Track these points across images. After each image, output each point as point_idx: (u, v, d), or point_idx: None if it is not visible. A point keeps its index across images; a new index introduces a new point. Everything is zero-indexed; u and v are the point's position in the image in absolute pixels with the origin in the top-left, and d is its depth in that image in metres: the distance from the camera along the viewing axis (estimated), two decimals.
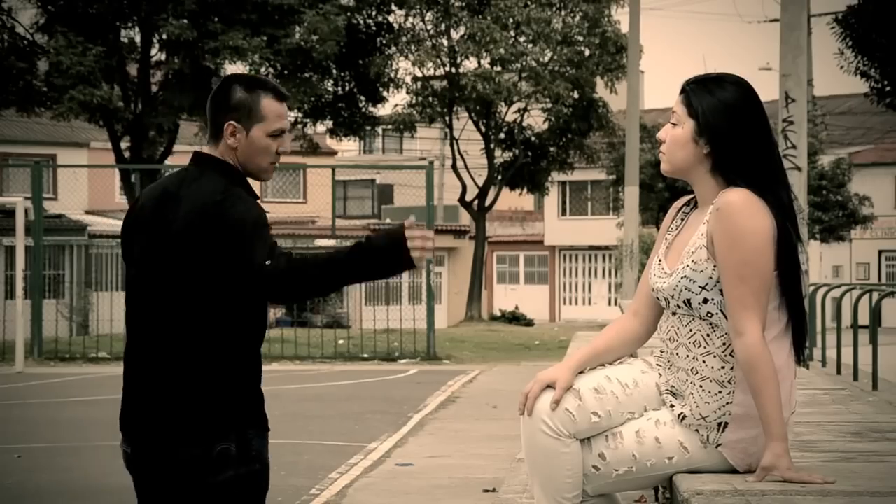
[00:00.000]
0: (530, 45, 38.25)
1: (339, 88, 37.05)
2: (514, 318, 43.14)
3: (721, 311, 4.09)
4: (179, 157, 41.74)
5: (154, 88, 33.83)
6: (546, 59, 38.73)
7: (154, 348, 4.18)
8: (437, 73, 39.40)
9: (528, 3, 38.14)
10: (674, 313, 4.20)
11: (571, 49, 38.54)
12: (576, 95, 39.14)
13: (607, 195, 49.71)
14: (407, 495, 10.27)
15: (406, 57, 38.16)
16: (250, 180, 4.34)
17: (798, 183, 14.77)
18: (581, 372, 4.22)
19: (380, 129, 45.95)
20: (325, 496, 10.21)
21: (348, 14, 34.39)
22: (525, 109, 40.23)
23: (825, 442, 5.13)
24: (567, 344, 23.31)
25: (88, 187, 43.78)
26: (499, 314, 44.99)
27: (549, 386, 4.16)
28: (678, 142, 4.19)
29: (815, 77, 47.40)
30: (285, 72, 33.34)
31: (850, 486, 3.91)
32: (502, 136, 41.34)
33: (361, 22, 36.80)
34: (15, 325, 23.39)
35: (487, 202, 41.70)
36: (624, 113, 33.80)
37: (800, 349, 4.19)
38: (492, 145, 41.01)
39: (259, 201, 4.23)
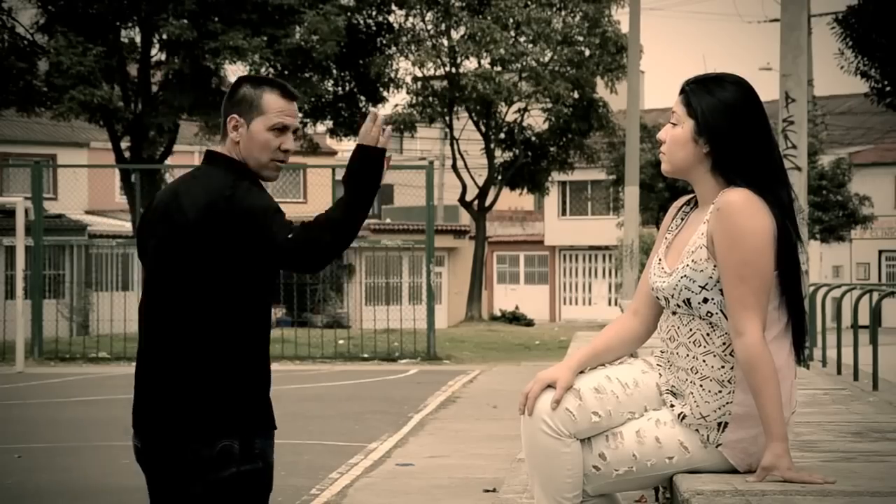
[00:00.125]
0: (530, 45, 38.25)
1: (340, 88, 37.06)
2: (515, 318, 43.15)
3: (721, 310, 4.09)
4: (179, 157, 41.83)
5: (154, 88, 33.83)
6: (546, 59, 38.73)
7: (163, 346, 4.23)
8: (438, 73, 39.40)
9: (529, 3, 38.14)
10: (674, 313, 4.20)
11: (571, 49, 38.54)
12: (576, 95, 39.14)
13: (607, 195, 49.72)
14: (407, 495, 10.27)
15: (406, 57, 38.17)
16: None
17: (798, 183, 14.77)
18: (581, 372, 4.22)
19: None
20: (325, 496, 10.20)
21: (348, 14, 34.39)
22: (525, 109, 40.23)
23: (825, 442, 5.13)
24: (567, 344, 23.31)
25: (88, 187, 43.78)
26: (499, 314, 44.99)
27: (550, 386, 4.16)
28: (678, 142, 4.19)
29: (815, 77, 47.42)
30: (285, 72, 33.33)
31: (850, 486, 3.91)
32: (502, 136, 41.34)
33: (361, 22, 36.80)
34: (15, 325, 23.39)
35: (487, 202, 41.71)
36: (624, 113, 33.81)
37: (800, 349, 4.19)
38: (492, 145, 41.01)
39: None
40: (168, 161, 35.24)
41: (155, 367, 4.25)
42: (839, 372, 18.41)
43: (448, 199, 53.02)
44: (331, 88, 36.75)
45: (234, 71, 35.43)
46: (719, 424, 4.11)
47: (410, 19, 38.79)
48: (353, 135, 39.11)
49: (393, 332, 27.30)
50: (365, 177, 4.20)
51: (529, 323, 43.19)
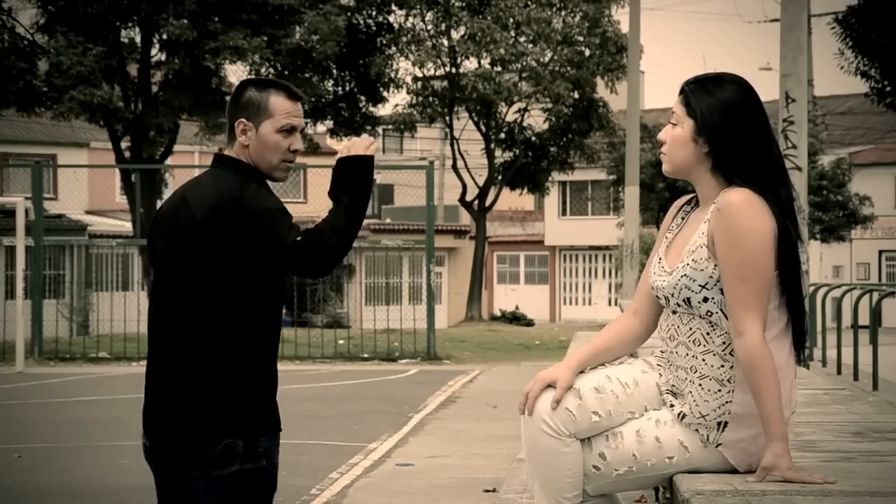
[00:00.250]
0: (530, 46, 38.25)
1: (340, 88, 37.05)
2: (515, 318, 43.15)
3: (721, 309, 4.09)
4: (179, 157, 41.83)
5: (154, 88, 33.83)
6: (546, 59, 38.73)
7: (172, 347, 4.29)
8: (438, 73, 39.39)
9: (529, 3, 38.13)
10: (674, 312, 4.20)
11: (572, 49, 38.54)
12: (576, 95, 39.14)
13: (607, 195, 49.72)
14: (407, 495, 10.27)
15: (406, 57, 38.16)
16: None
17: (798, 183, 14.78)
18: (581, 371, 4.22)
19: (380, 129, 45.91)
20: (325, 496, 10.21)
21: (348, 14, 34.39)
22: (525, 109, 40.23)
23: (825, 442, 5.12)
24: (567, 344, 23.31)
25: (89, 187, 43.78)
26: (499, 314, 44.99)
27: (550, 385, 4.16)
28: (678, 142, 4.19)
29: (815, 77, 47.42)
30: (285, 72, 33.33)
31: (850, 486, 3.91)
32: (502, 136, 41.34)
33: (361, 22, 36.80)
34: (15, 325, 23.38)
35: (488, 202, 41.71)
36: (624, 113, 33.80)
37: (800, 349, 4.19)
38: (492, 145, 41.01)
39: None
40: (168, 161, 35.23)
41: (164, 367, 4.30)
42: (839, 372, 18.41)
43: (448, 199, 53.02)
44: (331, 88, 36.75)
45: (234, 71, 35.45)
46: (719, 424, 4.11)
47: (410, 19, 38.79)
48: (353, 135, 39.14)
49: (393, 332, 27.30)
50: (360, 182, 4.23)
51: (529, 323, 43.19)
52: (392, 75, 37.43)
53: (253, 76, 33.74)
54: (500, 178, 41.51)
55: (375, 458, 12.20)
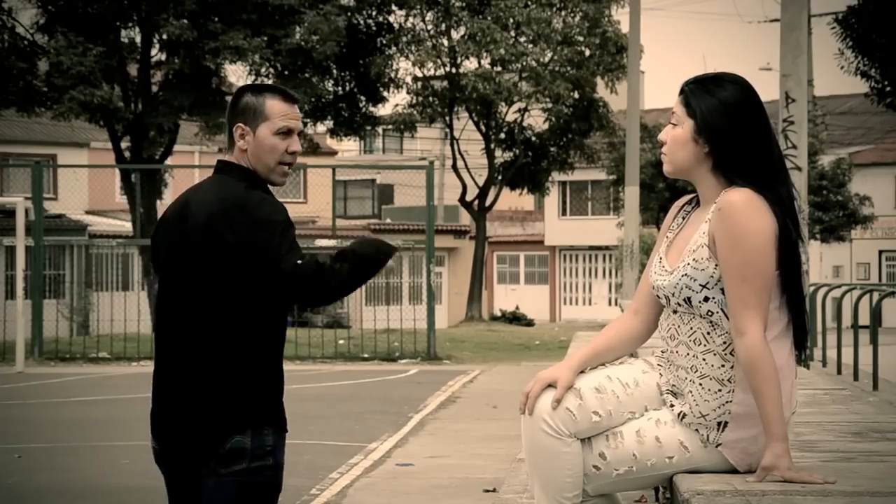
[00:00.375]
0: (530, 46, 38.24)
1: (340, 88, 37.03)
2: (515, 319, 43.14)
3: (721, 309, 4.09)
4: (179, 157, 41.81)
5: (154, 88, 33.81)
6: (546, 59, 38.72)
7: (178, 351, 4.35)
8: (438, 73, 39.39)
9: (529, 3, 38.13)
10: (674, 311, 4.20)
11: (572, 49, 38.53)
12: (576, 95, 39.13)
13: (607, 195, 49.71)
14: (407, 495, 10.27)
15: (406, 57, 38.14)
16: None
17: (798, 183, 14.77)
18: (582, 371, 4.22)
19: (380, 129, 45.96)
20: (325, 496, 10.21)
21: (348, 14, 34.37)
22: (525, 109, 40.22)
23: (825, 442, 5.12)
24: (567, 344, 23.31)
25: (89, 187, 43.77)
26: (499, 314, 44.99)
27: (550, 385, 4.16)
28: (678, 142, 4.19)
29: (815, 77, 47.42)
30: (285, 72, 33.32)
31: (850, 486, 3.91)
32: (502, 136, 41.33)
33: (362, 22, 36.78)
34: (15, 325, 23.39)
35: (488, 202, 41.70)
36: (624, 113, 33.80)
37: (801, 349, 4.19)
38: (492, 145, 41.00)
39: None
40: (168, 161, 35.21)
41: (171, 371, 4.36)
42: (839, 372, 18.42)
43: (448, 199, 53.01)
44: (331, 88, 36.72)
45: (234, 71, 35.44)
46: (719, 424, 4.11)
47: (410, 19, 38.78)
48: (353, 135, 39.15)
49: (393, 332, 27.30)
50: (375, 260, 4.37)
51: (529, 323, 43.19)
52: (392, 75, 37.41)
53: (253, 76, 33.87)
54: (500, 178, 41.51)
55: (375, 458, 12.20)
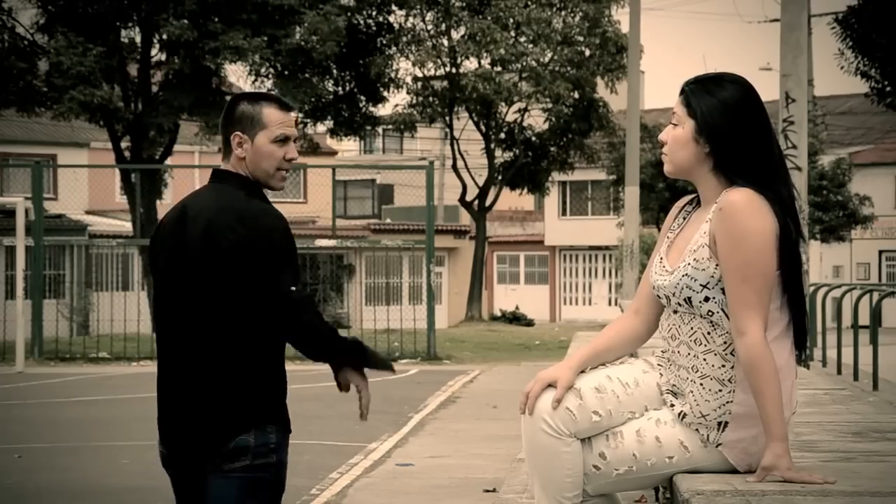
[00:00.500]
0: (530, 46, 38.24)
1: (340, 88, 37.03)
2: (515, 319, 43.14)
3: (722, 309, 4.09)
4: (179, 157, 41.81)
5: (154, 88, 33.81)
6: (546, 59, 38.72)
7: (181, 355, 4.41)
8: (438, 73, 39.39)
9: (529, 3, 38.13)
10: (675, 311, 4.20)
11: (572, 49, 38.53)
12: (576, 95, 39.13)
13: (607, 195, 49.72)
14: (407, 495, 10.27)
15: (406, 57, 38.15)
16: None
17: (798, 183, 14.77)
18: (582, 371, 4.22)
19: (380, 129, 45.94)
20: (325, 496, 10.21)
21: (348, 14, 34.36)
22: (525, 109, 40.22)
23: (825, 442, 5.12)
24: (567, 344, 23.31)
25: (89, 187, 43.77)
26: (499, 314, 44.99)
27: (551, 385, 4.16)
28: (679, 142, 4.19)
29: (815, 77, 47.40)
30: (285, 72, 33.32)
31: (850, 486, 3.91)
32: (503, 136, 41.34)
33: (362, 22, 36.78)
34: (15, 325, 23.39)
35: (488, 202, 41.70)
36: (624, 113, 33.80)
37: (801, 349, 4.19)
38: (492, 145, 41.00)
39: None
40: (168, 161, 35.21)
41: (175, 376, 4.43)
42: (839, 372, 18.42)
43: (448, 199, 53.01)
44: (331, 88, 36.73)
45: (234, 71, 35.46)
46: (719, 424, 4.11)
47: (411, 19, 38.78)
48: (353, 135, 39.15)
49: (393, 332, 27.30)
50: (341, 352, 4.51)
51: (529, 323, 43.18)
52: (392, 75, 37.41)
53: (253, 76, 33.88)
54: (500, 178, 41.51)
55: (375, 458, 12.20)
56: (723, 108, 4.14)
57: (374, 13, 37.01)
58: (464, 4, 38.31)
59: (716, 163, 4.16)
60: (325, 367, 4.64)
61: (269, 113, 4.42)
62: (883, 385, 16.49)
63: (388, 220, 50.63)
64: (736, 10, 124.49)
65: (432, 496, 10.19)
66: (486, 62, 38.70)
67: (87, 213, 42.40)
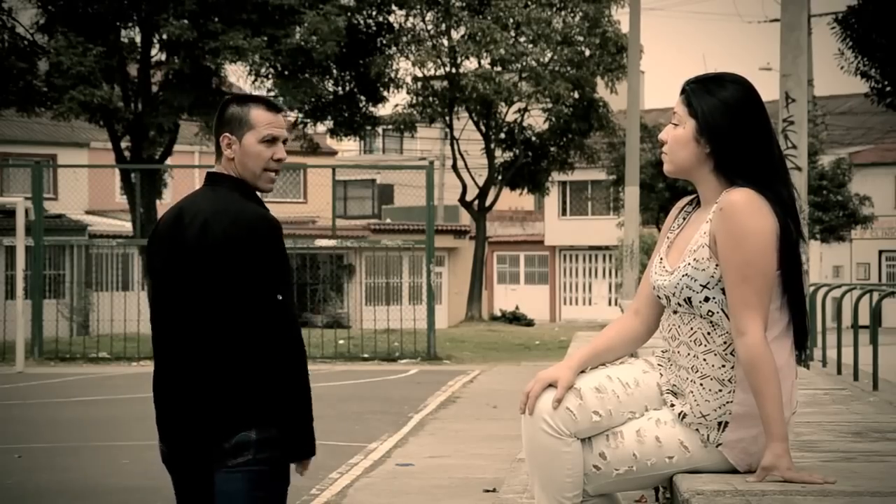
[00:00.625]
0: (530, 46, 38.24)
1: (340, 88, 37.04)
2: (515, 318, 43.13)
3: (722, 309, 4.09)
4: (179, 157, 41.81)
5: (154, 88, 33.82)
6: (546, 59, 38.72)
7: (180, 356, 4.46)
8: (438, 73, 39.39)
9: (529, 3, 38.12)
10: (675, 311, 4.20)
11: (572, 49, 38.53)
12: (576, 95, 39.13)
13: (607, 195, 49.71)
14: (407, 495, 10.28)
15: (406, 57, 38.15)
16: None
17: (798, 183, 14.76)
18: (582, 371, 4.22)
19: (380, 129, 45.94)
20: (325, 496, 10.21)
21: (348, 14, 34.38)
22: (525, 109, 40.22)
23: (825, 442, 5.12)
24: (567, 344, 23.31)
25: (89, 187, 43.78)
26: (499, 314, 44.98)
27: (551, 385, 4.16)
28: (679, 142, 4.19)
29: (815, 77, 47.41)
30: (285, 72, 33.32)
31: (850, 486, 3.91)
32: (502, 136, 41.33)
33: (362, 22, 36.78)
34: (15, 325, 23.39)
35: (488, 202, 41.70)
36: (624, 113, 33.80)
37: (801, 349, 4.19)
38: (492, 145, 41.00)
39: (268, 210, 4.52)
40: (168, 161, 35.21)
41: (174, 376, 4.48)
42: (839, 372, 18.42)
43: (448, 199, 53.01)
44: (331, 88, 36.74)
45: (234, 71, 35.46)
46: (719, 424, 4.11)
47: (411, 19, 38.78)
48: (353, 135, 39.17)
49: (393, 332, 27.30)
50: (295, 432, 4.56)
51: (529, 323, 43.18)
52: (392, 75, 37.42)
53: (253, 75, 33.88)
54: (500, 178, 41.51)
55: (375, 458, 12.20)
56: (724, 107, 4.13)
57: (374, 13, 37.02)
58: (464, 4, 38.31)
59: (716, 163, 4.16)
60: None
61: (257, 114, 4.49)
62: (883, 385, 16.49)
63: (388, 220, 50.62)
64: (736, 10, 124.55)
65: (432, 496, 10.19)
66: (486, 62, 38.70)
67: (87, 213, 42.41)
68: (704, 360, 4.13)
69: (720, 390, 4.11)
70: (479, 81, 37.30)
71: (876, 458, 4.63)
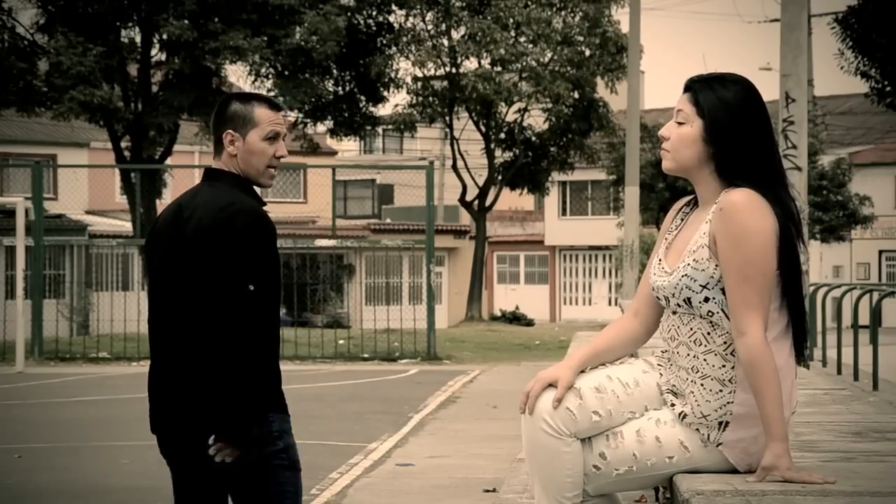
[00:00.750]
0: (530, 46, 38.24)
1: (340, 88, 37.04)
2: (515, 318, 43.13)
3: (722, 309, 4.09)
4: (179, 157, 41.82)
5: (154, 88, 33.82)
6: (546, 59, 38.72)
7: (177, 351, 4.52)
8: (438, 73, 39.39)
9: (529, 3, 38.12)
10: (674, 312, 4.20)
11: (572, 49, 38.53)
12: (576, 95, 39.12)
13: (607, 195, 49.71)
14: (407, 495, 10.27)
15: (406, 57, 38.15)
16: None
17: (798, 183, 14.76)
18: (582, 371, 4.22)
19: (380, 129, 45.94)
20: (325, 496, 10.20)
21: (349, 14, 34.38)
22: (525, 109, 40.22)
23: (825, 442, 5.12)
24: (567, 344, 23.31)
25: (89, 187, 43.78)
26: (499, 314, 44.99)
27: (551, 385, 4.16)
28: (685, 140, 4.17)
29: (815, 77, 47.40)
30: (285, 72, 33.32)
31: (850, 486, 3.91)
32: (502, 136, 41.33)
33: (362, 22, 36.79)
34: (15, 325, 23.39)
35: (488, 202, 41.70)
36: (624, 113, 33.80)
37: (801, 349, 4.19)
38: (492, 145, 41.00)
39: (265, 207, 4.59)
40: (168, 161, 35.21)
41: (170, 369, 4.55)
42: (839, 372, 18.41)
43: (448, 199, 53.01)
44: (331, 88, 36.74)
45: (234, 71, 35.48)
46: (720, 424, 4.10)
47: (411, 19, 38.78)
48: (353, 135, 39.17)
49: (393, 332, 27.30)
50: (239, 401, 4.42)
51: (529, 323, 43.18)
52: (392, 75, 37.42)
53: (253, 75, 33.88)
54: (500, 178, 41.51)
55: (375, 458, 12.20)
56: (726, 107, 4.13)
57: (374, 13, 37.02)
58: (464, 4, 38.31)
59: (718, 164, 4.15)
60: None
61: (261, 112, 4.58)
62: (883, 385, 16.48)
63: (388, 220, 50.62)
64: (736, 10, 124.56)
65: (432, 496, 10.19)
66: (486, 62, 38.70)
67: (87, 213, 42.41)
68: (705, 360, 4.13)
69: (721, 390, 4.10)
70: (479, 81, 37.30)
71: (876, 458, 4.63)
